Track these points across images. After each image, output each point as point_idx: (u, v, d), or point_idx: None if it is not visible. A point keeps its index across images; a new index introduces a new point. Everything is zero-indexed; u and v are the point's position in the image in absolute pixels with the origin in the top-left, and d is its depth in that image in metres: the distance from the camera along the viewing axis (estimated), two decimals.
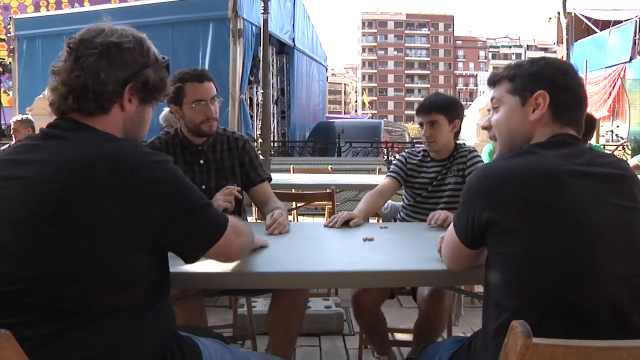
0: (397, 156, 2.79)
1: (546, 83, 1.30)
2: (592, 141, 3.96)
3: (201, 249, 1.27)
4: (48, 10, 16.18)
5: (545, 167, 1.21)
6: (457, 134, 2.63)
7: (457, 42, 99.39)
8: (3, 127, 14.51)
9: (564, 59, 11.49)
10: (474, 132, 10.90)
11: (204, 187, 2.33)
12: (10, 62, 12.69)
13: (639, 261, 1.16)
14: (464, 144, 2.84)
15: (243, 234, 1.40)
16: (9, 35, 12.85)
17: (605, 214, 1.17)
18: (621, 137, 13.61)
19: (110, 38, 1.22)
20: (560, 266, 1.14)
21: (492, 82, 1.43)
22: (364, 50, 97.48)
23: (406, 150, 2.79)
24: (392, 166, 2.76)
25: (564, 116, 1.31)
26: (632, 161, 4.14)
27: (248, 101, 11.00)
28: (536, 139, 1.32)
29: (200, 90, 2.27)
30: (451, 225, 1.40)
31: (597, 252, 1.14)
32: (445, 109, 2.55)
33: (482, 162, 2.59)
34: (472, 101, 18.19)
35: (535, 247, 1.16)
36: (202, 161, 2.38)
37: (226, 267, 1.48)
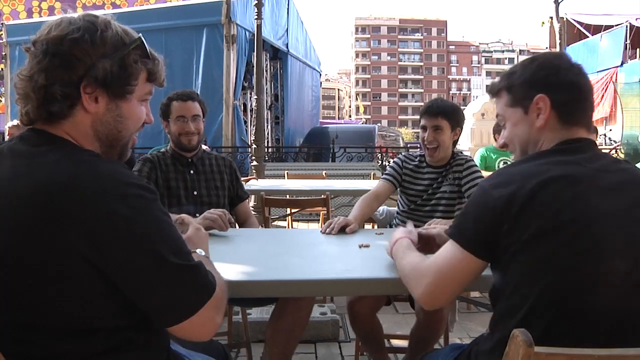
0: (394, 159, 2.77)
1: (542, 86, 1.27)
2: None
3: (170, 319, 1.02)
4: (41, 16, 16.11)
5: (551, 175, 1.15)
6: (455, 143, 2.61)
7: (450, 47, 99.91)
8: None
9: None
10: (468, 136, 10.95)
11: (195, 193, 2.56)
12: (2, 69, 12.62)
13: None
14: (461, 152, 2.83)
15: (222, 307, 1.13)
16: (0, 41, 12.78)
17: (618, 222, 1.12)
18: (614, 141, 13.70)
19: (53, 32, 1.03)
20: (570, 275, 1.10)
21: (492, 93, 1.41)
22: (357, 56, 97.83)
23: (403, 154, 2.77)
24: (388, 169, 2.73)
25: (571, 115, 1.27)
26: None
27: (242, 107, 11.01)
28: (546, 144, 1.28)
29: (181, 108, 2.54)
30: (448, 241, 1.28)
31: (608, 260, 1.09)
32: (450, 115, 2.52)
33: (479, 172, 2.57)
34: (466, 106, 18.27)
35: (545, 256, 1.12)
36: (192, 171, 2.61)
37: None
